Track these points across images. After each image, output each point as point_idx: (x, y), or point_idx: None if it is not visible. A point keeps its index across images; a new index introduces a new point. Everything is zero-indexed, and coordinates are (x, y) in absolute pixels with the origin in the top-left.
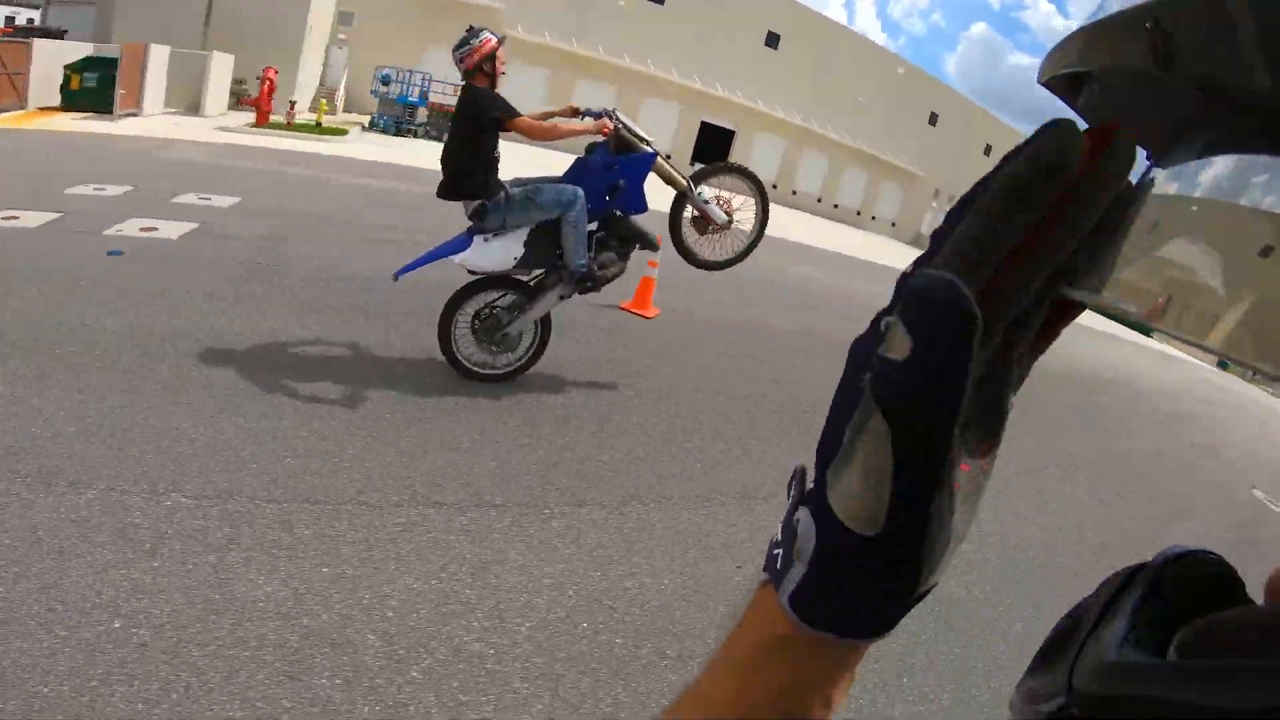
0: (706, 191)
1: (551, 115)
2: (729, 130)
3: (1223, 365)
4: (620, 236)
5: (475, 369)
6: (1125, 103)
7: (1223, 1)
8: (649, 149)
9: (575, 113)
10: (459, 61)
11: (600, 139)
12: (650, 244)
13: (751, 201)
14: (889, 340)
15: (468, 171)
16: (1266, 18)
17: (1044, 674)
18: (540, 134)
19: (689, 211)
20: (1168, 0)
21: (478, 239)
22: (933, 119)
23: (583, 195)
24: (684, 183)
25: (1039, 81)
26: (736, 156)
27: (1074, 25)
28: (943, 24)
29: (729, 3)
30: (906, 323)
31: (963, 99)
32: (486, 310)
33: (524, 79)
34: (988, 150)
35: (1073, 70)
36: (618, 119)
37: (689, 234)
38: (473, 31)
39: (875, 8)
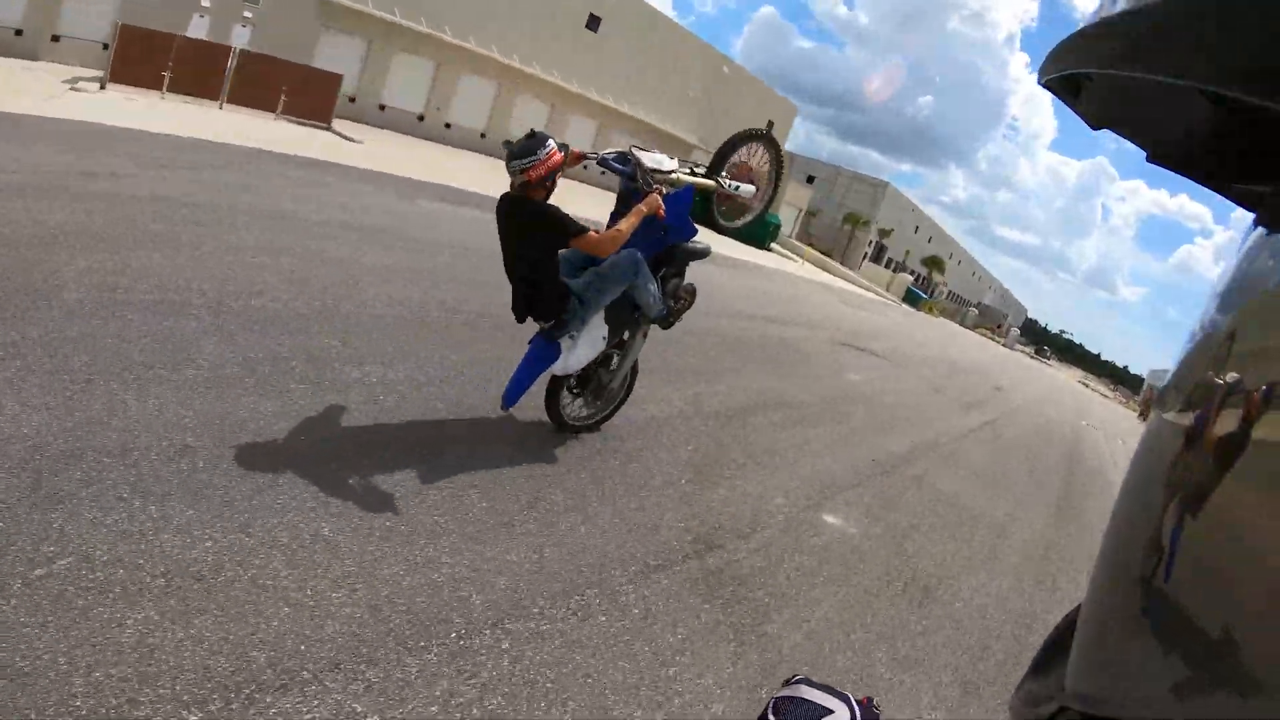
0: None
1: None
2: None
3: (1041, 353)
4: (680, 264)
5: (577, 424)
6: (1122, 103)
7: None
8: (684, 181)
9: (580, 158)
10: (519, 173)
11: (636, 183)
12: (705, 255)
13: (760, 149)
14: None
15: (546, 295)
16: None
17: (1042, 677)
18: (611, 246)
19: (718, 200)
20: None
21: (564, 343)
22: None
23: (640, 256)
24: (713, 183)
25: (1039, 83)
26: None
27: (859, 15)
28: (732, 5)
29: None
30: None
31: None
32: (583, 374)
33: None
34: (591, 20)
35: (1071, 72)
36: (644, 168)
37: (722, 215)
38: (537, 139)
39: None
